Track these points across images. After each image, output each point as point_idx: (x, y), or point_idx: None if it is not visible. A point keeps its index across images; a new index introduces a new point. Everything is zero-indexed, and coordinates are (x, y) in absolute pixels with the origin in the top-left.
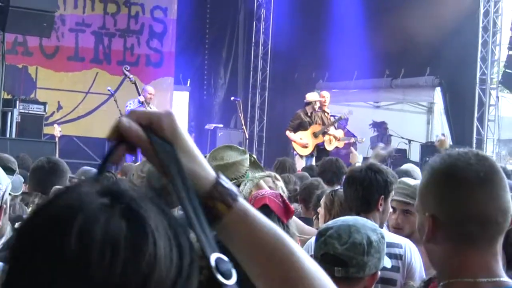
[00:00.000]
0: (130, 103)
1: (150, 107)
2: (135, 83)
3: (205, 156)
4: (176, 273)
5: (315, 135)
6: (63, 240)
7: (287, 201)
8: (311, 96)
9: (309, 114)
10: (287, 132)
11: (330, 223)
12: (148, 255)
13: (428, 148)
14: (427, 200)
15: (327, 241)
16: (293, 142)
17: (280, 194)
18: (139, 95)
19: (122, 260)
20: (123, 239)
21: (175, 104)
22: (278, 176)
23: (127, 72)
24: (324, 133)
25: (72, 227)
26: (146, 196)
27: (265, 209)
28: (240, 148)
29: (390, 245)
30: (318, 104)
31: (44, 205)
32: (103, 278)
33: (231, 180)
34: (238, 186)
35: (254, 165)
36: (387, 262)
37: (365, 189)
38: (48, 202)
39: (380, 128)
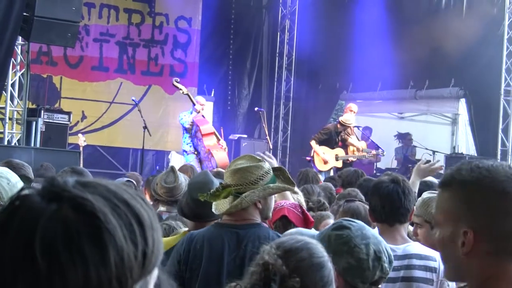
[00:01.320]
0: (184, 115)
1: (202, 117)
2: (188, 94)
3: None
4: (134, 259)
5: (337, 158)
6: (31, 262)
7: (306, 212)
8: (350, 120)
9: (338, 131)
10: (312, 142)
11: (373, 244)
12: (112, 247)
13: (452, 160)
14: (461, 214)
15: (383, 266)
16: (314, 154)
17: (300, 205)
18: (194, 104)
19: (91, 261)
20: (84, 240)
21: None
22: (297, 189)
23: (177, 84)
24: (347, 149)
25: (34, 248)
26: (88, 187)
27: (284, 220)
28: (258, 157)
29: (425, 257)
30: (350, 127)
31: (1, 228)
32: (81, 283)
33: (234, 186)
34: (242, 192)
35: (287, 180)
36: None
37: (405, 201)
38: (4, 225)
39: (405, 139)
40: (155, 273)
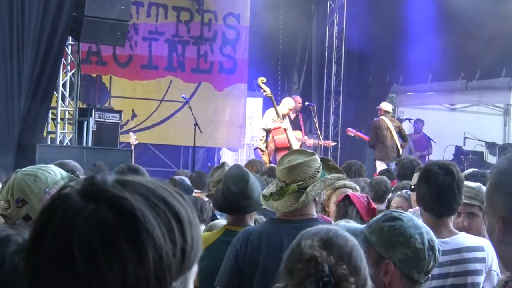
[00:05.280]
0: (268, 117)
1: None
2: (271, 97)
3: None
4: (173, 257)
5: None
6: (69, 261)
7: (372, 202)
8: (390, 106)
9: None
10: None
11: (425, 233)
12: (150, 246)
13: (505, 150)
14: (496, 202)
15: (436, 255)
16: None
17: (367, 196)
18: (276, 111)
19: (129, 260)
20: (122, 240)
21: (249, 110)
22: (358, 187)
23: (262, 85)
24: None
25: (72, 247)
26: (127, 186)
27: (347, 200)
28: (308, 151)
29: (474, 249)
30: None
31: (42, 226)
32: (118, 282)
33: (296, 182)
34: (306, 187)
35: (334, 169)
36: None
37: (459, 195)
38: (44, 224)
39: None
40: (195, 268)
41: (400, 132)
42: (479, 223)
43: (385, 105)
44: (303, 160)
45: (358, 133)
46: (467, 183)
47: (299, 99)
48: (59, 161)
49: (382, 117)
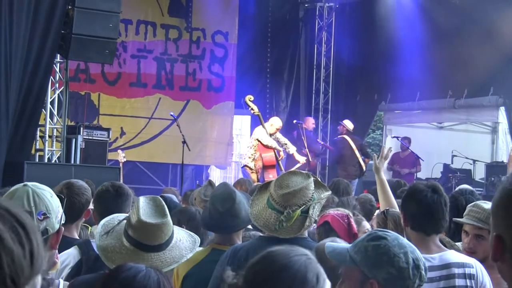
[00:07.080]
0: (258, 135)
1: (274, 138)
2: (259, 115)
3: (270, 183)
4: (23, 259)
5: None
6: None
7: (353, 223)
8: (352, 125)
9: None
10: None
11: (410, 253)
12: (2, 250)
13: (493, 168)
14: (497, 220)
15: (422, 274)
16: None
17: (348, 215)
18: (265, 129)
19: None
20: None
21: (237, 128)
22: (359, 215)
23: (250, 103)
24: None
25: None
26: None
27: (326, 226)
28: (303, 172)
29: (463, 265)
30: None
31: None
32: None
33: (299, 206)
34: (307, 210)
35: (317, 184)
36: None
37: (446, 212)
38: None
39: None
40: (40, 278)
41: (362, 150)
42: (486, 247)
43: (348, 123)
44: (304, 184)
45: (326, 145)
46: (480, 203)
47: (312, 119)
48: (67, 181)
49: (345, 136)
